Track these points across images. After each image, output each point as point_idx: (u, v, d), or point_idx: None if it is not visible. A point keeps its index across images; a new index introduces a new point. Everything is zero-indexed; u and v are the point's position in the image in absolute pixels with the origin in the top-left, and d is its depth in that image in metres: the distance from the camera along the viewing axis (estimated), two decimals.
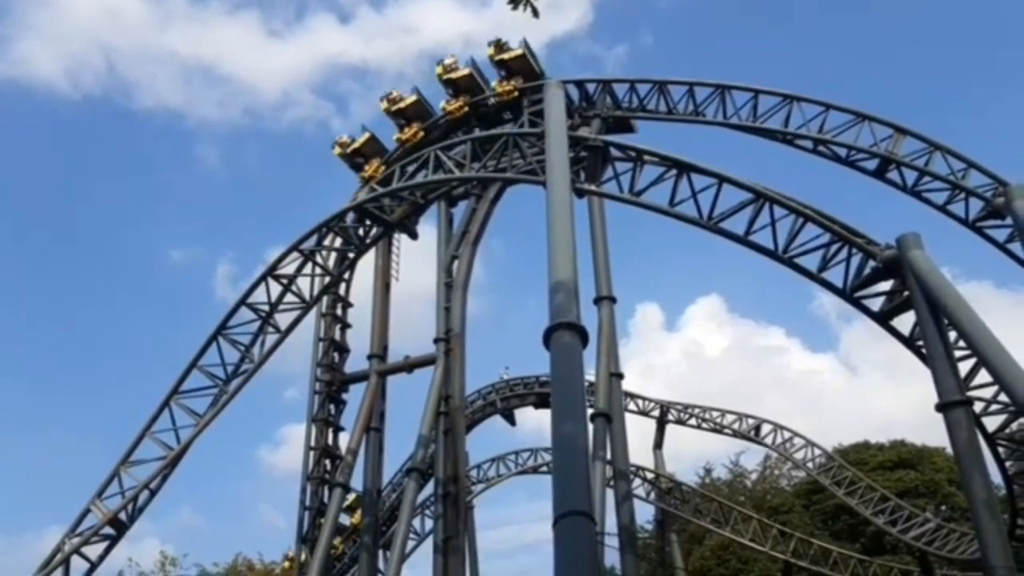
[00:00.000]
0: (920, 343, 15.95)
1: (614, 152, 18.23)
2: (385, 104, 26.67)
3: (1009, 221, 19.02)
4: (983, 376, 15.62)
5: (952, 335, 15.57)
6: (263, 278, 21.77)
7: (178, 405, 21.55)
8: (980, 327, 14.66)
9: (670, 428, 36.52)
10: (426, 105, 26.58)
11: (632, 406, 35.47)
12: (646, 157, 17.70)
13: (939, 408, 14.84)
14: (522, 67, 25.14)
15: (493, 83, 25.56)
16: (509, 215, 40.12)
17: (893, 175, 21.38)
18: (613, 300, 22.62)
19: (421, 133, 26.09)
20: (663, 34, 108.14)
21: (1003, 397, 15.70)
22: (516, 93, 25.03)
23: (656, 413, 36.11)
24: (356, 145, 26.66)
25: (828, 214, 16.95)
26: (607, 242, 23.56)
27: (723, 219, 17.32)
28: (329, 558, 22.91)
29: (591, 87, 25.05)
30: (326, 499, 23.09)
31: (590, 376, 22.15)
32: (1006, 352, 14.39)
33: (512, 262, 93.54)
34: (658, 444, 36.59)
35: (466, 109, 25.65)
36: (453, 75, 25.79)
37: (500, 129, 24.09)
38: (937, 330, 15.16)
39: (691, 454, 78.76)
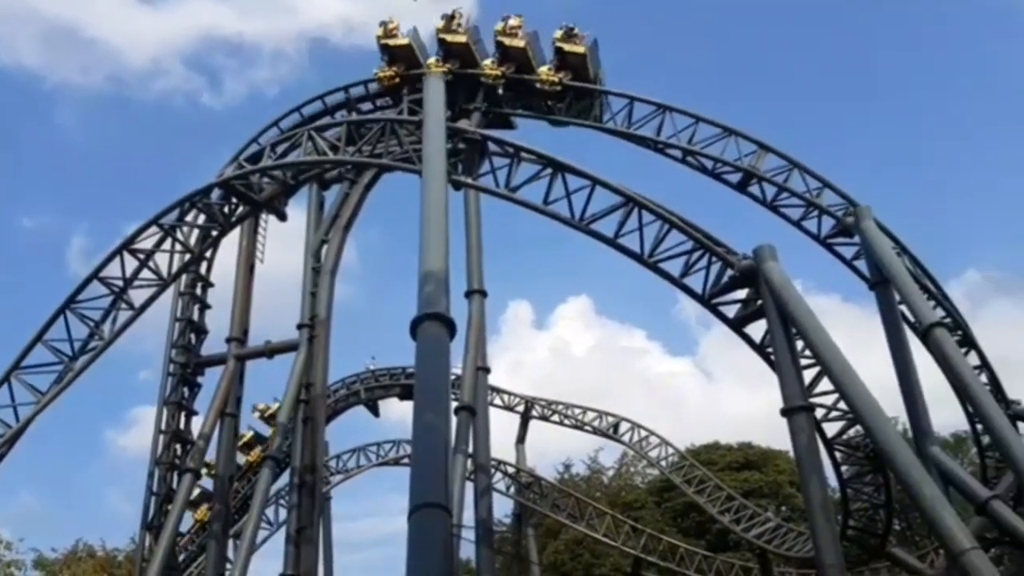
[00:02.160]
0: (770, 350, 16.71)
1: (492, 147, 18.29)
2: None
3: (857, 239, 20.18)
4: (825, 384, 16.55)
5: (799, 344, 16.42)
6: (118, 251, 20.63)
7: (19, 381, 20.16)
8: (824, 338, 15.53)
9: (534, 424, 37.05)
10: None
11: (498, 401, 35.75)
12: (523, 154, 17.85)
13: (784, 413, 15.60)
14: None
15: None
16: (385, 203, 39.55)
17: (754, 189, 22.30)
18: (484, 294, 22.66)
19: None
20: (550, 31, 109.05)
21: (842, 405, 16.71)
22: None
23: (521, 408, 36.50)
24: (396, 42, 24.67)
25: (692, 222, 17.55)
26: (481, 236, 23.59)
27: (594, 220, 17.66)
28: (175, 546, 22.04)
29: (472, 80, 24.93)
30: (175, 485, 22.16)
31: (457, 369, 22.17)
32: (847, 363, 15.30)
33: (388, 251, 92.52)
34: (521, 439, 37.00)
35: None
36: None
37: (379, 114, 23.72)
38: (785, 338, 15.93)
39: (554, 451, 79.97)
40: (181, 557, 28.99)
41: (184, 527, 26.68)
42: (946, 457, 17.01)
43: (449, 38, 24.28)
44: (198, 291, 24.77)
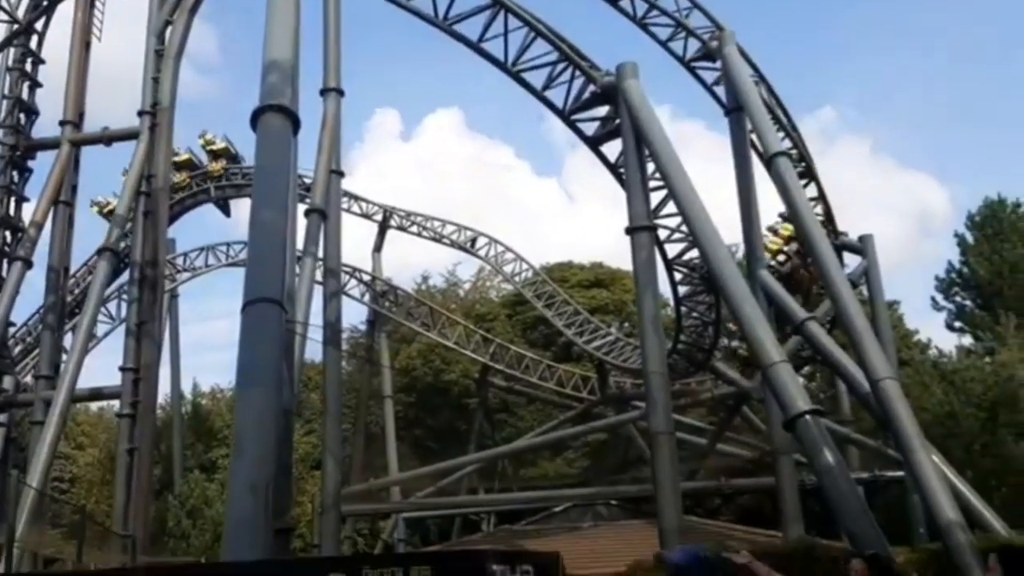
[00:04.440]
0: (622, 170, 16.98)
1: None
2: None
3: (718, 65, 20.30)
4: (671, 207, 17.08)
5: (651, 167, 16.73)
6: None
7: None
8: (674, 161, 15.87)
9: (395, 236, 36.99)
10: None
11: (356, 208, 35.31)
12: None
13: (628, 231, 16.08)
14: None
15: None
16: None
17: (625, 3, 21.73)
18: (341, 93, 21.57)
19: None
20: None
21: (685, 228, 17.34)
22: None
23: (379, 217, 36.24)
24: None
25: (559, 32, 17.13)
26: (340, 28, 22.20)
27: (458, 21, 17.00)
28: (4, 335, 21.23)
29: None
30: (4, 273, 21.04)
31: (311, 172, 21.55)
32: (692, 187, 15.76)
33: (254, 46, 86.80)
34: (378, 248, 36.99)
35: None
36: None
37: None
38: (637, 159, 16.19)
39: (414, 263, 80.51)
40: (17, 349, 28.14)
41: (19, 318, 25.61)
42: (772, 280, 18.05)
43: None
44: (27, 67, 22.73)
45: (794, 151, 22.49)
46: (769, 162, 17.38)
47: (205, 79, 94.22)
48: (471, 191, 77.39)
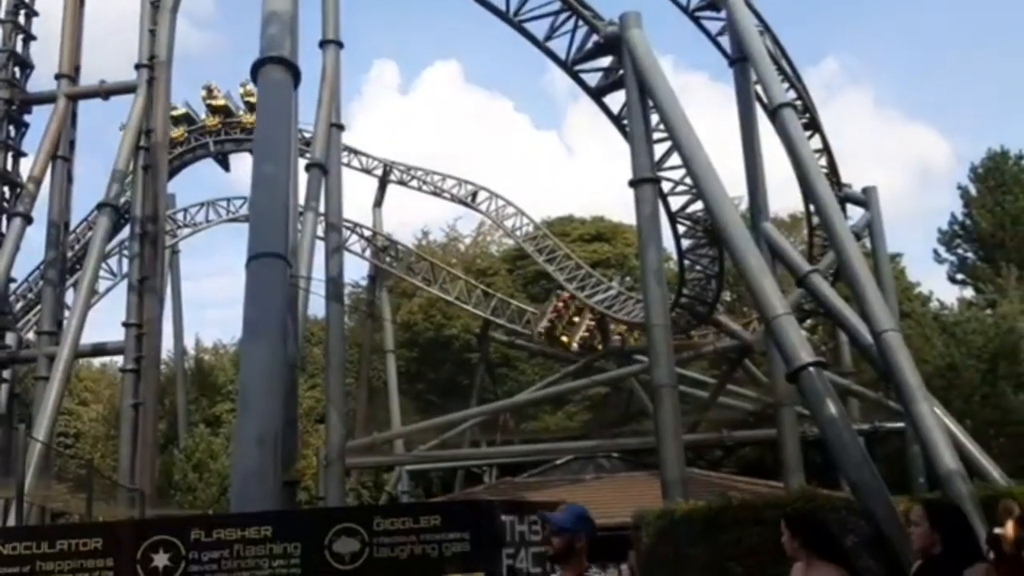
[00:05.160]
0: (626, 122, 16.81)
1: None
2: None
3: (723, 14, 19.97)
4: (675, 159, 16.95)
5: (655, 118, 16.56)
6: None
7: None
8: (678, 112, 15.69)
9: (395, 190, 36.82)
10: None
11: (356, 163, 35.08)
12: None
13: (632, 184, 15.97)
14: None
15: None
16: None
17: None
18: (340, 45, 21.34)
19: None
20: None
21: (688, 180, 17.23)
22: None
23: (379, 172, 36.03)
24: None
25: None
26: None
27: None
28: (5, 291, 21.21)
29: None
30: (3, 229, 20.95)
31: (310, 126, 21.35)
32: (697, 139, 15.59)
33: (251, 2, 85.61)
34: (378, 203, 36.86)
35: None
36: None
37: None
38: (641, 110, 16.02)
39: (414, 218, 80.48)
40: (18, 305, 28.16)
41: (19, 274, 25.58)
42: (776, 232, 17.98)
43: None
44: (21, 19, 22.41)
45: (798, 102, 22.24)
46: (774, 113, 17.16)
47: (202, 34, 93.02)
48: (470, 145, 76.93)
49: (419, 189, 36.30)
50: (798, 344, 13.72)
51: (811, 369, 13.27)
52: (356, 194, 37.71)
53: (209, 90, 34.33)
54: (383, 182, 36.35)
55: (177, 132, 32.69)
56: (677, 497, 14.33)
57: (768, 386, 24.57)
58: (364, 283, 43.59)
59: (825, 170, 22.85)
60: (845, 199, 24.70)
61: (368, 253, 36.58)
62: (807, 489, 15.28)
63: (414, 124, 79.28)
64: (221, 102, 34.38)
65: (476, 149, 77.13)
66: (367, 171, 35.89)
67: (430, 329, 44.18)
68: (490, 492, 25.18)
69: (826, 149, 24.07)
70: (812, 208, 22.97)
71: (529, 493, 21.99)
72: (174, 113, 31.57)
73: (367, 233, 36.16)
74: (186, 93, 37.45)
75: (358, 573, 6.15)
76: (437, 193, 36.18)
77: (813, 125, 23.08)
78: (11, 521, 13.75)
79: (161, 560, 6.05)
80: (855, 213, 25.68)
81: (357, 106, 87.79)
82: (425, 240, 50.13)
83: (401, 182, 36.29)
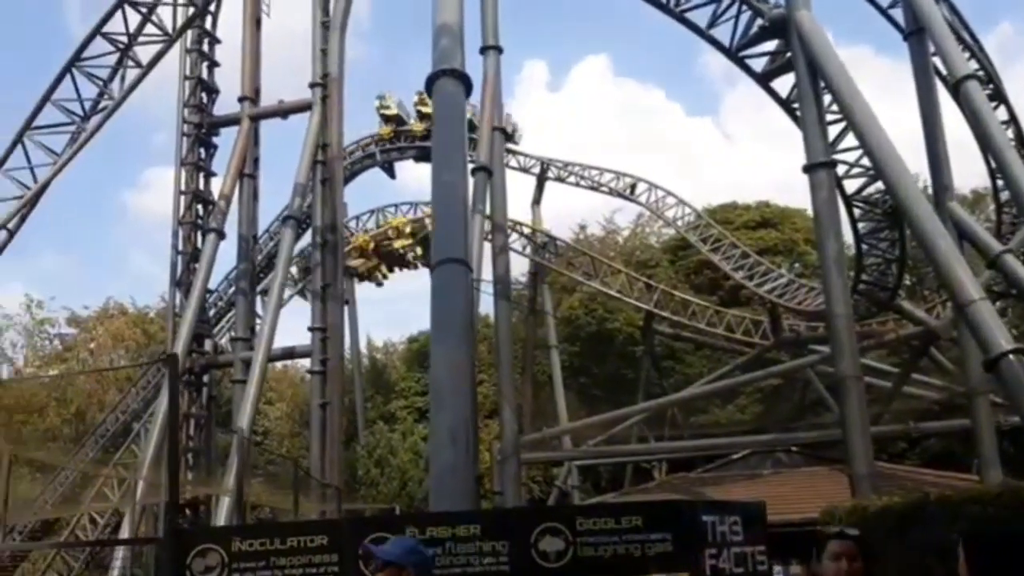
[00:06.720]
0: (796, 105, 16.27)
1: None
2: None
3: None
4: (850, 140, 16.27)
5: (827, 99, 15.94)
6: (119, 5, 19.89)
7: (33, 142, 20.24)
8: (854, 92, 15.02)
9: (550, 185, 37.09)
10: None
11: (513, 163, 35.55)
12: None
13: (806, 169, 15.43)
14: None
15: None
16: None
17: None
18: (500, 50, 21.75)
19: None
20: None
21: (865, 161, 16.48)
22: None
23: (536, 170, 36.39)
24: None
25: None
26: None
27: None
28: (204, 302, 22.90)
29: None
30: (199, 244, 22.66)
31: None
32: (874, 117, 14.89)
33: (400, 8, 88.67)
34: (537, 200, 37.21)
35: None
36: None
37: None
38: (813, 92, 15.45)
39: (570, 212, 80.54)
40: (211, 312, 30.34)
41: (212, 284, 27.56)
42: (963, 212, 16.98)
43: None
44: (205, 47, 24.09)
45: (981, 72, 20.82)
46: (956, 86, 16.16)
47: (358, 44, 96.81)
48: (623, 137, 76.37)
49: (577, 184, 36.42)
50: (996, 330, 12.90)
51: (1011, 356, 12.45)
52: (514, 193, 38.08)
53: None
54: (541, 180, 36.69)
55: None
56: (868, 492, 13.76)
57: (956, 374, 23.15)
58: (524, 280, 44.16)
59: (1013, 143, 21.29)
60: None
61: (528, 250, 37.00)
62: (1011, 483, 14.33)
63: (566, 120, 79.53)
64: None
65: (630, 141, 76.54)
66: (525, 170, 36.34)
67: (592, 323, 44.15)
68: (664, 488, 24.96)
69: (1013, 120, 22.38)
70: (1000, 183, 21.52)
71: (706, 489, 21.68)
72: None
73: (526, 231, 36.59)
74: (350, 103, 39.13)
75: (564, 571, 6.30)
76: (595, 187, 36.17)
77: (998, 96, 21.52)
78: (222, 516, 14.94)
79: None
80: None
81: (510, 106, 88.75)
82: (582, 234, 50.18)
83: (559, 179, 36.51)
